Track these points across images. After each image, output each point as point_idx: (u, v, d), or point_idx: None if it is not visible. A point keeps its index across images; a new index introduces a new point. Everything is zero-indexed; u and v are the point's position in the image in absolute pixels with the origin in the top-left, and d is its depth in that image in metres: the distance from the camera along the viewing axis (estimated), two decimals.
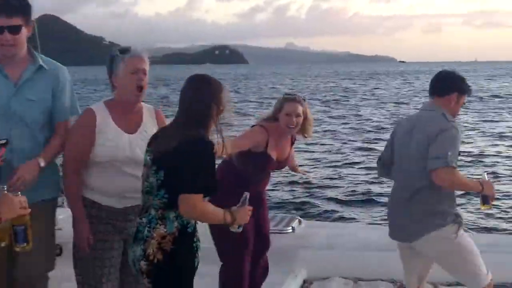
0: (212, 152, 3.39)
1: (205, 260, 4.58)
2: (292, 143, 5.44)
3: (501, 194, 14.79)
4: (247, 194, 3.68)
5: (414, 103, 47.14)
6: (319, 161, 20.63)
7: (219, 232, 4.94)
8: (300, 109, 5.09)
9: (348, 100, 51.57)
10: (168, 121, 3.92)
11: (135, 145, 3.95)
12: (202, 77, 3.63)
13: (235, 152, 4.58)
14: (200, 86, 3.54)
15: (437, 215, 4.40)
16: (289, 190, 15.78)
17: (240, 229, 3.60)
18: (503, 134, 26.88)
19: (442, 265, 4.67)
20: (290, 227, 7.07)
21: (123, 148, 3.92)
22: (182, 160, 3.31)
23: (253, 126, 5.30)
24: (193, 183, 3.30)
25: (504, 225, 12.53)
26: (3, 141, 3.40)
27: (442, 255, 4.53)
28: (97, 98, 55.16)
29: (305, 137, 5.39)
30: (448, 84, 4.60)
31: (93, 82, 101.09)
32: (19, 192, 2.94)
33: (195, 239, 3.53)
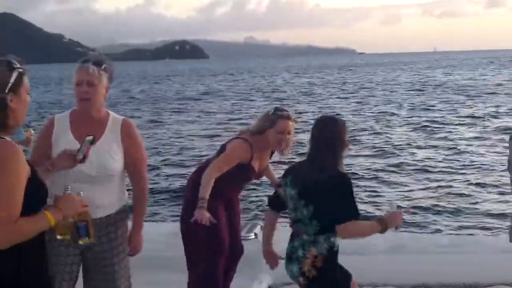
0: (351, 182, 3.97)
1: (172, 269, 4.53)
2: (272, 154, 5.34)
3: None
4: (392, 202, 4.18)
5: (354, 98, 47.72)
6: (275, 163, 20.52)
7: (194, 239, 5.03)
8: (291, 126, 4.96)
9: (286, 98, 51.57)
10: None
11: (90, 157, 3.77)
12: (330, 118, 4.26)
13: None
14: (328, 126, 4.07)
15: None
16: (250, 194, 15.62)
17: (398, 230, 4.14)
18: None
19: None
20: (253, 233, 6.96)
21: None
22: (331, 194, 3.88)
23: (236, 138, 5.17)
24: (347, 212, 3.88)
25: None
26: (91, 138, 3.56)
27: None
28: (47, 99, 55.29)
29: (283, 153, 5.17)
30: None
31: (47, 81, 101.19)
32: (81, 192, 3.17)
33: (337, 258, 4.14)
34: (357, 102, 43.32)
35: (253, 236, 6.94)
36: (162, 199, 15.95)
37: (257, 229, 7.15)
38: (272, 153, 5.33)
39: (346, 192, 3.92)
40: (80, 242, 3.24)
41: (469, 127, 26.86)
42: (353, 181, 4.14)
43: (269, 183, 5.74)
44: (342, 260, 6.44)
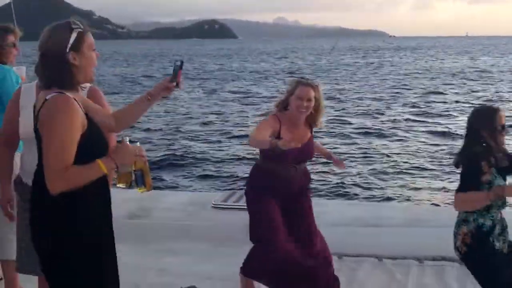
0: (478, 163, 4.19)
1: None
2: (311, 131, 5.22)
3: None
4: None
5: (366, 81, 47.66)
6: None
7: (251, 216, 5.07)
8: (312, 93, 4.92)
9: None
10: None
11: None
12: (481, 107, 4.59)
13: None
14: (475, 114, 4.40)
15: None
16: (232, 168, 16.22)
17: None
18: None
19: None
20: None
21: None
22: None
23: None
24: (461, 185, 4.26)
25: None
26: (179, 63, 3.53)
27: None
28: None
29: (315, 125, 5.20)
30: None
31: None
32: (138, 142, 3.29)
33: (491, 237, 4.30)
34: (368, 84, 43.61)
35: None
36: (180, 169, 16.57)
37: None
38: (311, 130, 5.24)
39: (467, 168, 4.30)
40: (138, 191, 3.28)
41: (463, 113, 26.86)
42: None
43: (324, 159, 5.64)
44: (357, 232, 6.50)
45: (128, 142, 3.16)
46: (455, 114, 26.90)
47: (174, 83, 3.48)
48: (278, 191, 5.01)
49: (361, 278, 5.65)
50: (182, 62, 3.54)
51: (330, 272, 5.11)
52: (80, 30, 3.12)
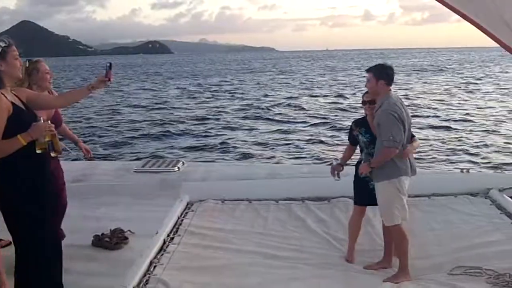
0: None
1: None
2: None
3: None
4: None
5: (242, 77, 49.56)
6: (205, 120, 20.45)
7: None
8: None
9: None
10: None
11: None
12: None
13: None
14: None
15: None
16: (176, 140, 15.83)
17: None
18: None
19: None
20: (177, 167, 6.95)
21: None
22: None
23: None
24: None
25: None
26: (108, 64, 3.42)
27: None
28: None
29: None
30: None
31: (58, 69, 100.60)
32: (49, 121, 3.12)
33: None
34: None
35: (177, 169, 6.94)
36: (112, 143, 16.36)
37: (180, 164, 7.15)
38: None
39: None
40: (52, 154, 3.18)
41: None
42: None
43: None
44: (235, 184, 6.46)
45: (42, 121, 3.06)
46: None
47: (107, 79, 3.44)
48: None
49: (238, 215, 5.58)
50: (111, 64, 3.48)
51: None
52: (5, 45, 2.98)
